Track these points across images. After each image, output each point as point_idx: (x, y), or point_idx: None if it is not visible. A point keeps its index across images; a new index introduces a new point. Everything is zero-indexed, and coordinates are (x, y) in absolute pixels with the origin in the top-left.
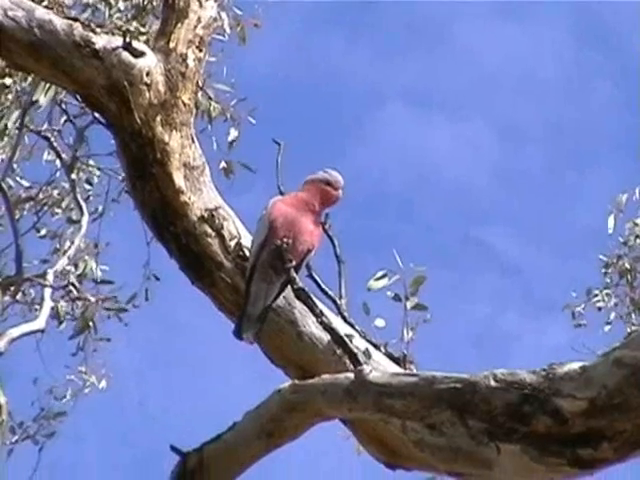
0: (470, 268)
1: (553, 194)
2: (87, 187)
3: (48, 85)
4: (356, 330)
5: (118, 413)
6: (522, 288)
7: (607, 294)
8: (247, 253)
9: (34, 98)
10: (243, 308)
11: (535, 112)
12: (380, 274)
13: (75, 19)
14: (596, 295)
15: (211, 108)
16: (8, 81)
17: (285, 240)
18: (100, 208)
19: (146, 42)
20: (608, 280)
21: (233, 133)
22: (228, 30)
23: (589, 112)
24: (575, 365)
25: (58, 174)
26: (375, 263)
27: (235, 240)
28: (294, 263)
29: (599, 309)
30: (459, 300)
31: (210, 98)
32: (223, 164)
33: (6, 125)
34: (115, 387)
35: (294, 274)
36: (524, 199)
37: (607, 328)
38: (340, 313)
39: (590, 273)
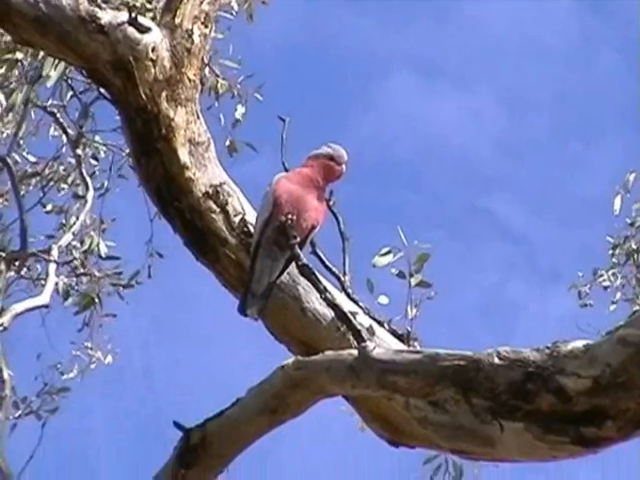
0: (476, 237)
1: (558, 164)
2: (93, 162)
3: (57, 60)
4: (360, 307)
5: (124, 388)
6: (528, 257)
7: (613, 274)
8: (252, 229)
9: (44, 73)
10: (247, 284)
11: (540, 81)
12: (384, 251)
13: None
14: (602, 275)
15: (218, 85)
16: (20, 55)
17: (289, 217)
18: (106, 184)
19: (152, 18)
20: (615, 260)
21: (240, 110)
22: (236, 7)
23: (594, 81)
24: (579, 343)
25: (64, 150)
26: (381, 235)
27: (240, 216)
28: (298, 239)
29: (605, 288)
30: (466, 269)
31: (217, 75)
32: (229, 140)
33: (14, 101)
34: (121, 362)
35: (298, 250)
36: (529, 168)
37: (612, 307)
38: (344, 290)
39: (594, 243)
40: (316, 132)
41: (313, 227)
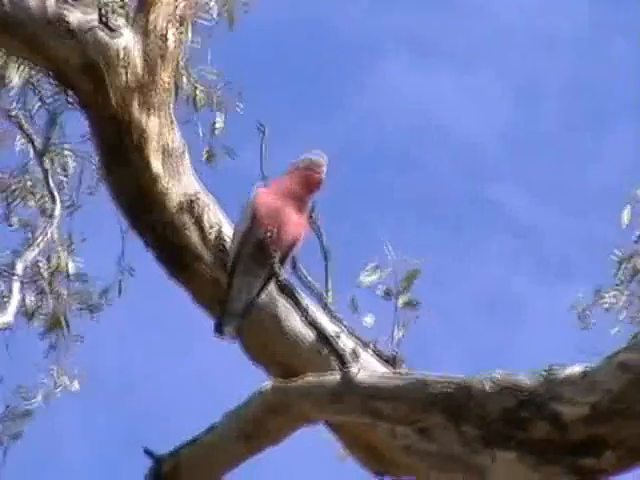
0: (480, 229)
1: (567, 153)
2: (61, 177)
3: (22, 63)
4: (343, 327)
5: (93, 413)
6: (534, 250)
7: (616, 294)
8: (228, 244)
9: (7, 77)
10: (224, 303)
11: (549, 68)
12: (370, 267)
13: None
14: (604, 297)
15: (197, 94)
16: None
17: (269, 231)
18: (74, 198)
19: (126, 17)
20: (619, 280)
21: (220, 119)
22: (216, 10)
23: (605, 69)
24: (577, 368)
25: (30, 161)
26: (373, 230)
27: (215, 229)
28: (278, 255)
29: (607, 310)
30: (468, 262)
31: (195, 84)
32: (206, 149)
33: None
34: (89, 388)
35: (278, 267)
36: (537, 158)
37: (615, 329)
38: (326, 309)
39: (603, 235)
40: (307, 120)
41: (294, 242)
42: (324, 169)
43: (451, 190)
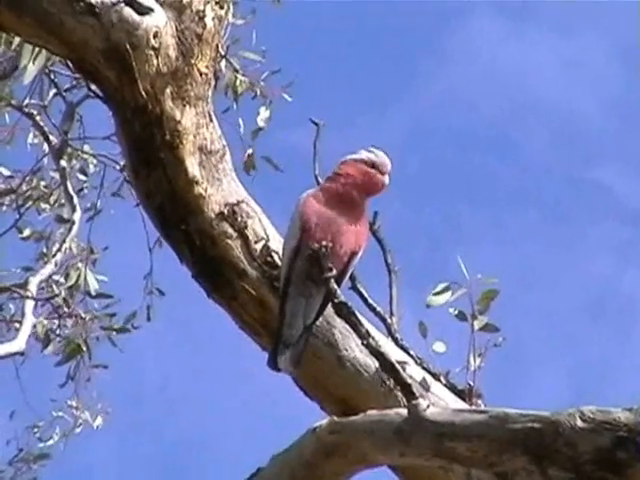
0: (583, 217)
1: None
2: (81, 177)
3: (37, 49)
4: (410, 355)
5: (117, 455)
6: None
7: None
8: (277, 259)
9: (21, 65)
10: (278, 331)
11: None
12: (441, 287)
13: None
14: None
15: (237, 82)
16: None
17: (323, 244)
18: (96, 204)
19: None
20: None
21: (263, 114)
22: None
23: None
24: None
25: (45, 161)
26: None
27: (262, 243)
28: (335, 272)
29: None
30: (570, 256)
31: (236, 70)
32: (247, 154)
33: None
34: (113, 424)
35: (334, 285)
36: None
37: None
38: (391, 334)
39: None
40: (371, 107)
41: (353, 255)
42: (388, 169)
43: (551, 173)
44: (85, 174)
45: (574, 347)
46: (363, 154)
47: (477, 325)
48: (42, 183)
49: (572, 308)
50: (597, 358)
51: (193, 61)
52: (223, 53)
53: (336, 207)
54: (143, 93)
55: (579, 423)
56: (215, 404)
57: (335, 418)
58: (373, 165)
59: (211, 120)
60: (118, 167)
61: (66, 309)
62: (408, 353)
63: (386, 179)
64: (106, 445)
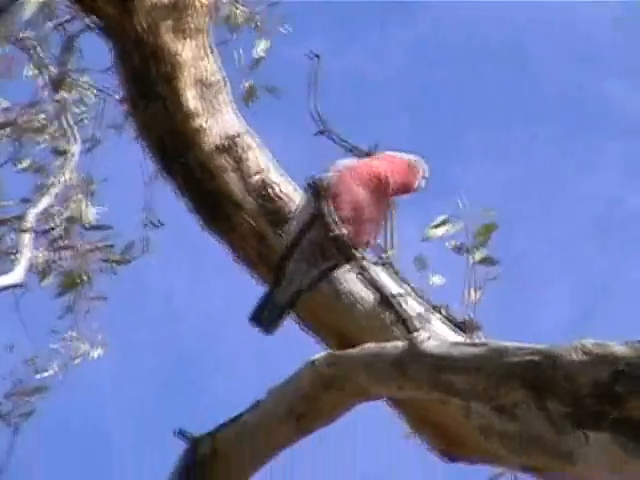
0: (590, 131)
1: None
2: (79, 109)
3: None
4: (409, 288)
5: (117, 388)
6: None
7: None
8: (275, 191)
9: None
10: (270, 288)
11: None
12: (440, 219)
13: None
14: None
15: (236, 13)
16: None
17: (348, 229)
18: (95, 135)
19: None
20: None
21: (262, 45)
22: None
23: None
24: None
25: (43, 93)
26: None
27: (259, 176)
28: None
29: None
30: (576, 172)
31: (235, 0)
32: (247, 85)
33: None
34: (113, 356)
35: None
36: None
37: None
38: (389, 267)
39: None
40: (375, 20)
41: (366, 244)
42: (425, 175)
43: (558, 89)
44: (84, 106)
45: (579, 266)
46: (411, 156)
47: (476, 258)
48: (40, 115)
49: (577, 226)
50: (602, 277)
51: None
52: None
53: (369, 194)
54: (141, 25)
55: (577, 357)
56: (221, 324)
57: (333, 351)
58: (415, 167)
59: (211, 52)
60: (117, 99)
61: (64, 241)
62: (406, 286)
63: (422, 184)
64: (106, 375)
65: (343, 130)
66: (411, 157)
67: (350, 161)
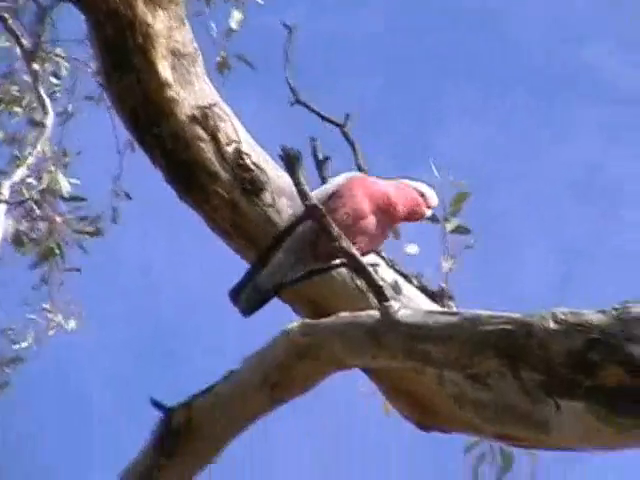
0: (569, 96)
1: None
2: (53, 81)
3: None
4: (382, 258)
5: (90, 359)
6: (636, 122)
7: None
8: (249, 161)
9: None
10: (253, 271)
11: None
12: None
13: None
14: None
15: None
16: None
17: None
18: (69, 107)
19: None
20: None
21: (236, 16)
22: None
23: None
24: None
25: (17, 65)
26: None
27: (233, 145)
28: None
29: None
30: (555, 137)
31: None
32: (221, 55)
33: None
34: (87, 328)
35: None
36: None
37: None
38: None
39: None
40: None
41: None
42: (434, 205)
43: (539, 52)
44: (58, 77)
45: (560, 229)
46: (420, 185)
47: (449, 227)
48: (14, 87)
49: (558, 189)
50: (583, 239)
51: None
52: None
53: (374, 208)
54: None
55: (551, 325)
56: (199, 295)
57: (307, 320)
58: (423, 195)
59: (183, 24)
60: (90, 70)
61: (39, 212)
62: (380, 255)
63: (428, 213)
64: (82, 347)
65: (319, 95)
66: (424, 187)
67: (364, 175)
